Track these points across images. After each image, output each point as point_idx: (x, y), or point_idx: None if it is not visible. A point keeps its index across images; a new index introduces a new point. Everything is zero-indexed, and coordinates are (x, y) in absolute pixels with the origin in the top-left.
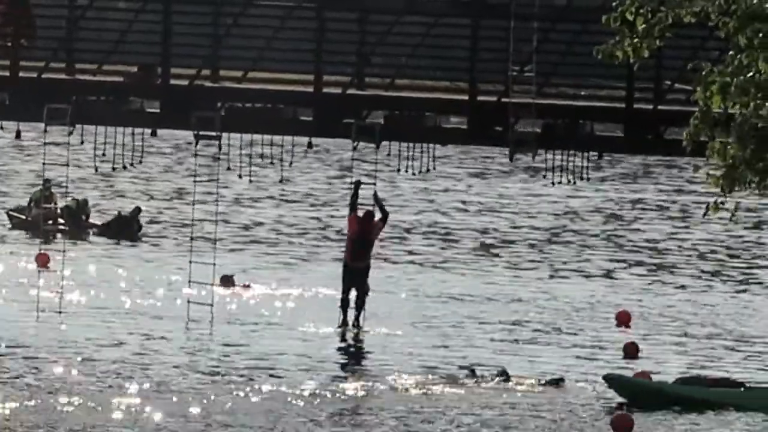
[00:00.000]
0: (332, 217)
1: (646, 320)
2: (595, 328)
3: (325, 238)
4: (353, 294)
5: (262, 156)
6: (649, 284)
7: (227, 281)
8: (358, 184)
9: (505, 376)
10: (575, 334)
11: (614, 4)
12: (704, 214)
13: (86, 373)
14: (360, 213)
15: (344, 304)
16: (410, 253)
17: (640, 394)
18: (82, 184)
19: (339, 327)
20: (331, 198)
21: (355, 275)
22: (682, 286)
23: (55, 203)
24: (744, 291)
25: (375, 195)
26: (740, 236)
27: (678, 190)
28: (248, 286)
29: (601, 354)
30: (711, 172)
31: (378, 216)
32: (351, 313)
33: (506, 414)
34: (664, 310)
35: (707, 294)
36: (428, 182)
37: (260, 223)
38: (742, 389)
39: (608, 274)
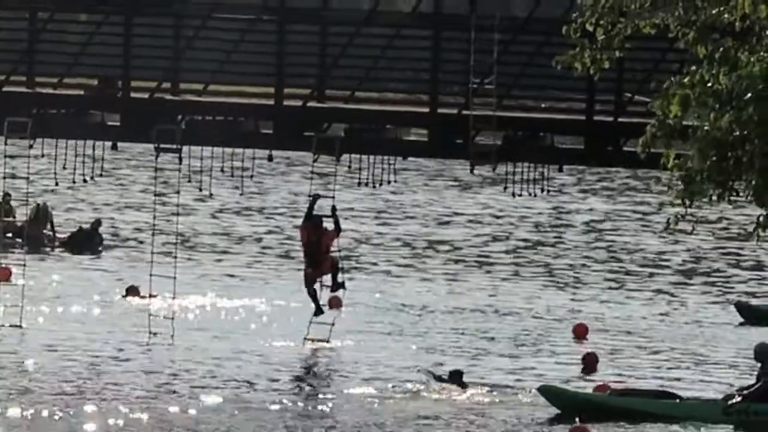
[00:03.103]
0: (292, 229)
1: (605, 332)
2: (553, 339)
3: (285, 249)
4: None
5: (222, 169)
6: (610, 295)
7: (133, 291)
8: (315, 198)
9: (458, 377)
10: (534, 344)
11: (574, 15)
12: (665, 228)
13: (46, 386)
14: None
15: (312, 292)
16: (375, 264)
17: (574, 405)
18: (43, 197)
19: (315, 315)
20: (291, 210)
21: (316, 274)
22: (643, 298)
23: (14, 216)
24: (704, 302)
25: (333, 208)
26: (703, 247)
27: (640, 201)
28: (154, 296)
29: (558, 365)
30: (671, 184)
31: (330, 228)
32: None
33: (457, 425)
34: (623, 321)
35: (667, 305)
36: (389, 195)
37: (221, 236)
38: (678, 401)
39: (570, 285)
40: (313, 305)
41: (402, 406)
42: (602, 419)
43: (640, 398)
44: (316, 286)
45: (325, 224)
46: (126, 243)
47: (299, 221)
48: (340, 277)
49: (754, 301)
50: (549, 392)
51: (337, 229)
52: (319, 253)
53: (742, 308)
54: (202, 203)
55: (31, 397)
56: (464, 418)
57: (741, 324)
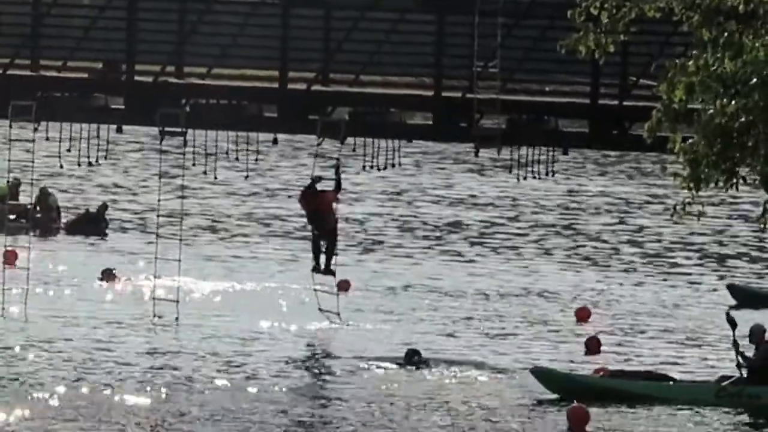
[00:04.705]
0: (294, 206)
1: (608, 315)
2: (555, 322)
3: (289, 231)
4: (323, 242)
5: (227, 152)
6: (612, 278)
7: (108, 275)
8: (317, 180)
9: (417, 358)
10: (536, 327)
11: None
12: (672, 216)
13: (51, 369)
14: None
15: (316, 249)
16: (380, 244)
17: (567, 387)
18: (47, 179)
19: (312, 270)
20: (295, 193)
21: (321, 235)
22: (647, 280)
23: (17, 200)
24: (707, 284)
25: (337, 166)
26: (709, 230)
27: (645, 184)
28: (129, 279)
29: (560, 348)
30: (678, 171)
31: (328, 189)
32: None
33: (461, 407)
34: (625, 304)
35: (672, 288)
36: (394, 177)
37: (226, 218)
38: (671, 383)
39: (572, 269)
40: (313, 261)
41: (401, 387)
42: (595, 401)
43: (633, 380)
44: (322, 243)
45: (322, 188)
46: (131, 226)
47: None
48: (333, 264)
49: (746, 284)
50: (541, 374)
51: (338, 187)
52: (321, 216)
53: (735, 291)
54: (207, 186)
55: (35, 379)
56: (460, 399)
57: (735, 306)
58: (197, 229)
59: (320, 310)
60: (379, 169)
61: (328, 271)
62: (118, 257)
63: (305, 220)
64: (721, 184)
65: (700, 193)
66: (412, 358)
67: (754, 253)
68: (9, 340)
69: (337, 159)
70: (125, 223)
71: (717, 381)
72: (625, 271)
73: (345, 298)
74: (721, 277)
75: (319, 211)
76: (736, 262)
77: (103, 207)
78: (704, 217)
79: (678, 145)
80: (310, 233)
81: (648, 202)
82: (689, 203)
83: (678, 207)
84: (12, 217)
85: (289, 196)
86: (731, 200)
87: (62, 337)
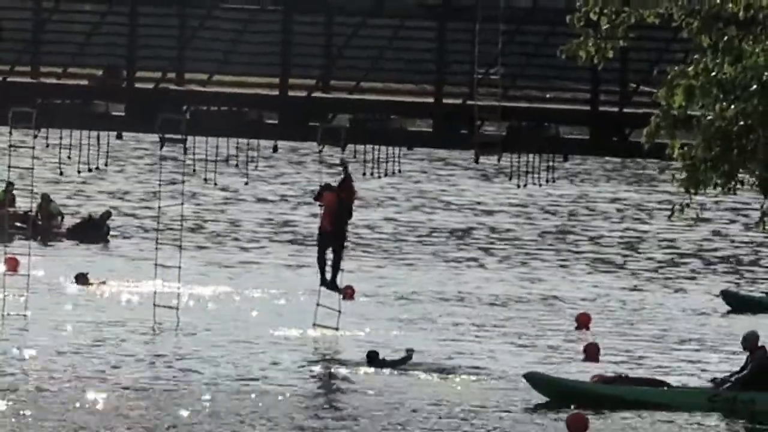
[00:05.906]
0: (299, 218)
1: (609, 321)
2: (556, 329)
3: (290, 237)
4: (329, 254)
5: (227, 159)
6: (614, 284)
7: (82, 279)
8: (326, 187)
9: (409, 355)
10: (536, 333)
11: (578, 4)
12: (670, 217)
13: (51, 376)
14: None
15: (321, 262)
16: (382, 251)
17: (561, 393)
18: (47, 186)
19: (320, 285)
20: (295, 200)
21: (332, 239)
22: (644, 286)
23: (15, 206)
24: (706, 291)
25: (345, 166)
26: (712, 236)
27: (645, 191)
28: (104, 283)
29: (560, 354)
30: (676, 175)
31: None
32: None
33: (460, 412)
34: (626, 310)
35: (674, 294)
36: (394, 184)
37: (226, 225)
38: (665, 388)
39: (572, 275)
40: (319, 276)
41: (399, 392)
42: (589, 407)
43: (627, 386)
44: (328, 252)
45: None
46: (131, 233)
47: (304, 209)
48: (339, 279)
49: (739, 290)
50: (535, 379)
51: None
52: (351, 209)
53: (728, 297)
54: (207, 192)
55: (35, 385)
56: (460, 403)
57: (729, 312)
58: (197, 235)
59: (314, 324)
60: (379, 177)
61: (334, 286)
62: (119, 263)
63: (307, 224)
64: (719, 187)
65: (698, 198)
66: (374, 360)
67: (753, 259)
68: (10, 345)
69: (346, 164)
70: (125, 229)
71: (712, 386)
72: (626, 276)
73: (349, 304)
74: (721, 283)
75: (351, 202)
76: (736, 267)
77: (107, 214)
78: (703, 221)
79: (676, 151)
80: (315, 243)
81: (649, 208)
82: (687, 205)
83: (676, 208)
84: (17, 223)
85: (292, 197)
86: (731, 205)
87: (62, 344)
